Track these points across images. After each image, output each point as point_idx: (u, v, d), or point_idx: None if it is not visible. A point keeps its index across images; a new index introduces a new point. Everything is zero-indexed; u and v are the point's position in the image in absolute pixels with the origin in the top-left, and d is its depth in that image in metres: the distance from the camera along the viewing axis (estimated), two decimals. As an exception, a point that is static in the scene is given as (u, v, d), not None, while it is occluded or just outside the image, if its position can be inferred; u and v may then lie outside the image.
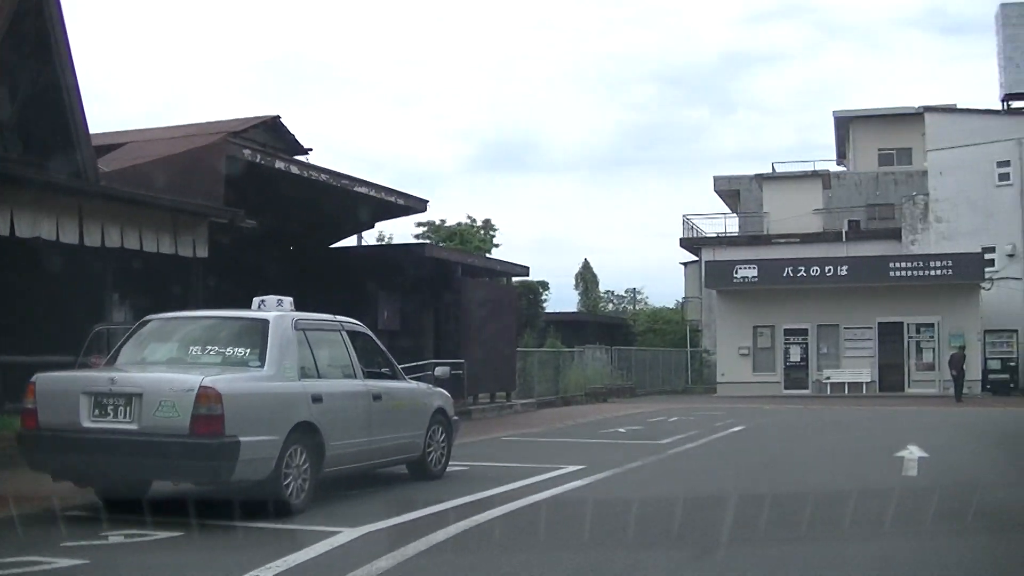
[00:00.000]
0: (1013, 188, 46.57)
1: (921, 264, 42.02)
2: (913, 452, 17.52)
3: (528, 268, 35.26)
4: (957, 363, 39.66)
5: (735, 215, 60.93)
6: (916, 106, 60.80)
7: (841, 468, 16.46)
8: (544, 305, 61.82)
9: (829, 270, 43.07)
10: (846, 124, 64.79)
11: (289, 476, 10.84)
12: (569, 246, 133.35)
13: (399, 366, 14.27)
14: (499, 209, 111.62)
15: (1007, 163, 46.79)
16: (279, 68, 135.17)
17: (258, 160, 20.68)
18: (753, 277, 44.14)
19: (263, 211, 21.49)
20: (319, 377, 11.93)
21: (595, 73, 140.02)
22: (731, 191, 62.97)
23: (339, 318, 13.16)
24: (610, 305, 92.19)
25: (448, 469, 14.55)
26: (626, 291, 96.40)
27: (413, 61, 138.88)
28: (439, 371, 16.95)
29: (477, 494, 12.31)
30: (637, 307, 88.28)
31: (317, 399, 11.54)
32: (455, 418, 15.14)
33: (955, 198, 47.97)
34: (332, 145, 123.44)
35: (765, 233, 54.56)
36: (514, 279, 36.15)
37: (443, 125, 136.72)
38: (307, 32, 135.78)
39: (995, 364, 42.40)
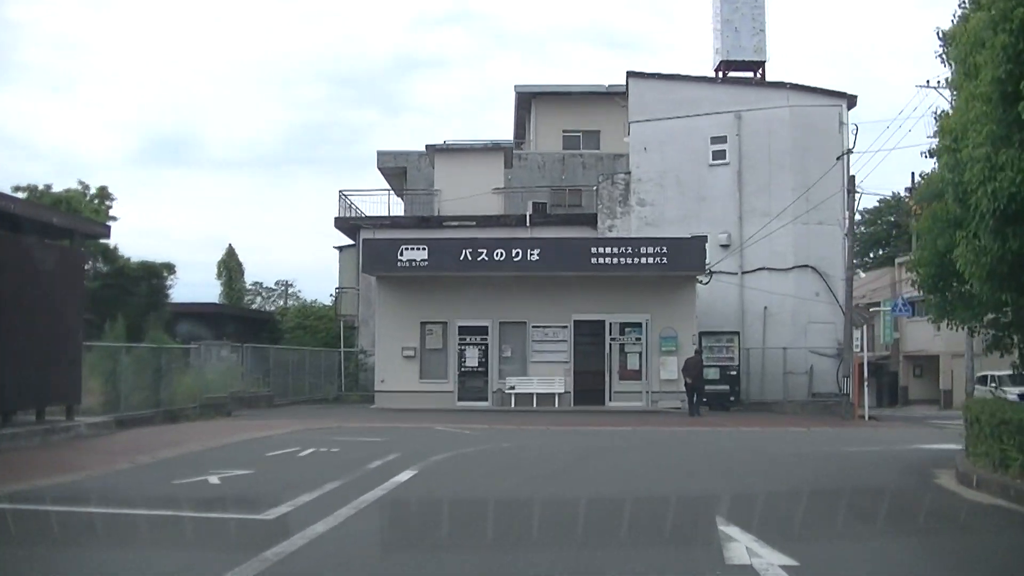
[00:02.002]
0: (729, 168, 39.70)
1: (630, 250, 33.91)
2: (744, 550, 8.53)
3: (109, 228, 25.02)
4: (694, 369, 32.35)
5: (402, 197, 51.98)
6: (606, 84, 54.84)
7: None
8: (169, 292, 50.26)
9: (517, 254, 34.26)
10: (528, 102, 57.11)
11: None
12: (232, 243, 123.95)
13: None
14: (164, 205, 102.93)
15: (722, 139, 39.90)
16: None
17: None
18: (422, 261, 34.64)
19: None
20: None
21: (265, 71, 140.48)
22: (397, 169, 53.38)
23: None
24: (258, 299, 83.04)
25: None
26: (277, 283, 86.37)
27: (70, 45, 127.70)
28: None
29: None
30: (290, 302, 78.58)
31: None
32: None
33: (662, 178, 40.68)
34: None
35: (436, 215, 45.67)
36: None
37: (105, 115, 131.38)
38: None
39: (713, 373, 35.04)
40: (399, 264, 34.79)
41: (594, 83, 53.72)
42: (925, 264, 16.52)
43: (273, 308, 76.89)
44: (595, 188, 43.65)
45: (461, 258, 34.41)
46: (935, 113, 16.46)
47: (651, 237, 36.39)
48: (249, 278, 77.86)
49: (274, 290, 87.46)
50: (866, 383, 33.63)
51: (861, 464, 17.65)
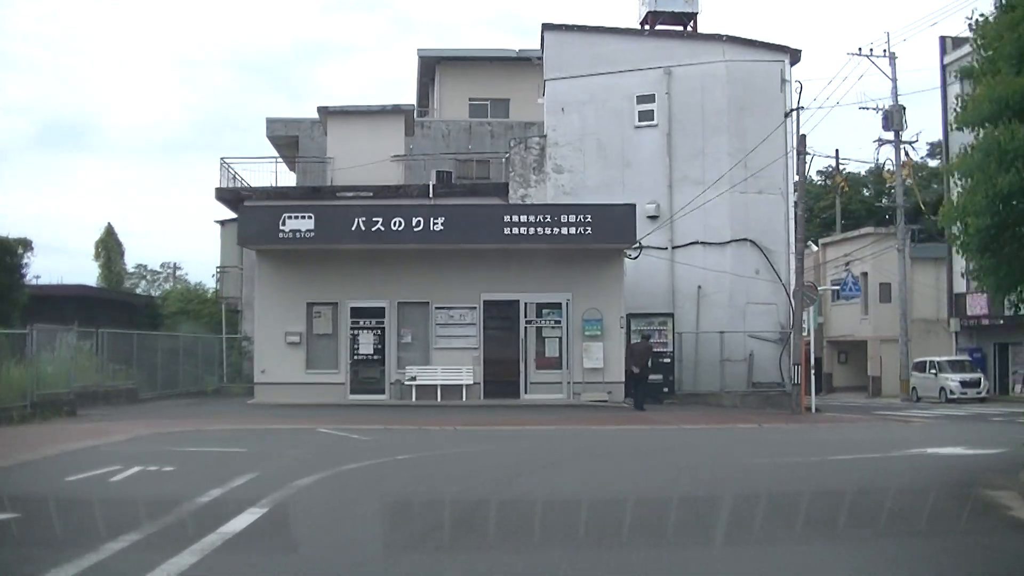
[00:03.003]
0: (657, 131, 35.38)
1: (549, 219, 29.29)
2: None
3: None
4: (642, 357, 28.56)
5: (294, 169, 46.98)
6: (516, 49, 50.70)
7: None
8: (24, 272, 44.32)
9: (418, 223, 29.43)
10: (431, 68, 52.47)
11: None
12: (131, 231, 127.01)
13: None
14: (61, 191, 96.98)
15: (650, 98, 35.55)
16: None
17: None
18: (308, 232, 29.60)
19: None
20: None
21: (169, 56, 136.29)
22: (288, 138, 48.11)
23: None
24: (143, 282, 78.62)
25: None
26: (162, 265, 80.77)
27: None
28: None
29: None
30: (178, 286, 73.18)
31: None
32: None
33: (581, 142, 36.23)
34: None
35: (329, 184, 40.75)
36: None
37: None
38: None
39: (643, 361, 30.63)
40: (281, 235, 29.75)
41: (503, 47, 49.58)
42: (976, 212, 12.02)
43: (159, 292, 71.67)
44: (506, 155, 39.03)
45: (353, 228, 29.51)
46: (971, 22, 12.70)
47: (574, 204, 31.88)
48: (136, 261, 72.50)
49: (160, 273, 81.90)
50: (812, 371, 29.67)
51: (888, 483, 13.24)
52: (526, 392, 30.60)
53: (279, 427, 21.74)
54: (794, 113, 30.62)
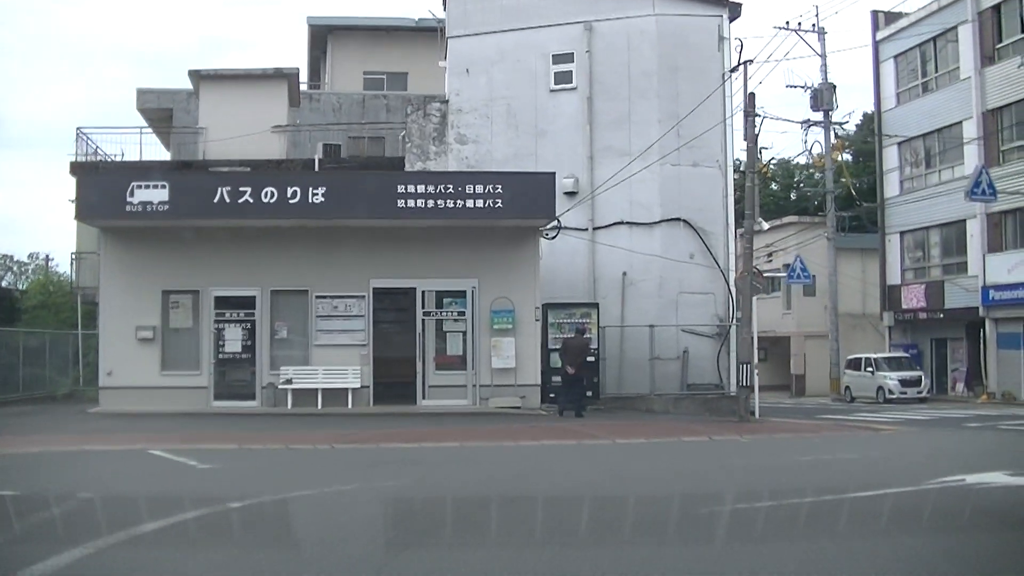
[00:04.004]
0: (577, 95, 30.86)
1: (451, 189, 24.45)
2: None
3: None
4: (577, 353, 24.41)
5: (168, 147, 42.03)
6: (416, 18, 46.29)
7: None
8: None
9: (294, 195, 24.36)
10: (323, 38, 47.65)
11: None
12: (27, 228, 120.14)
13: None
14: None
15: (568, 57, 31.01)
16: None
17: None
18: (162, 204, 24.27)
19: None
20: None
21: (62, 48, 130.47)
22: (161, 111, 42.72)
23: None
24: (8, 274, 73.47)
25: None
26: (30, 256, 74.80)
27: None
28: None
29: None
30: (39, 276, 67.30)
31: None
32: None
33: (488, 108, 31.57)
34: None
35: (201, 158, 35.76)
36: None
37: None
38: None
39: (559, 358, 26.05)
40: (129, 208, 24.40)
41: (401, 15, 45.04)
42: None
43: (24, 285, 66.19)
44: (402, 126, 34.26)
45: (216, 200, 24.35)
46: None
47: (481, 172, 27.26)
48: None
49: (28, 264, 75.54)
50: (756, 371, 25.37)
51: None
52: (424, 397, 25.82)
53: (101, 448, 16.68)
54: (736, 73, 26.29)
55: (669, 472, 13.96)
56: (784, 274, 30.28)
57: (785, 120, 41.83)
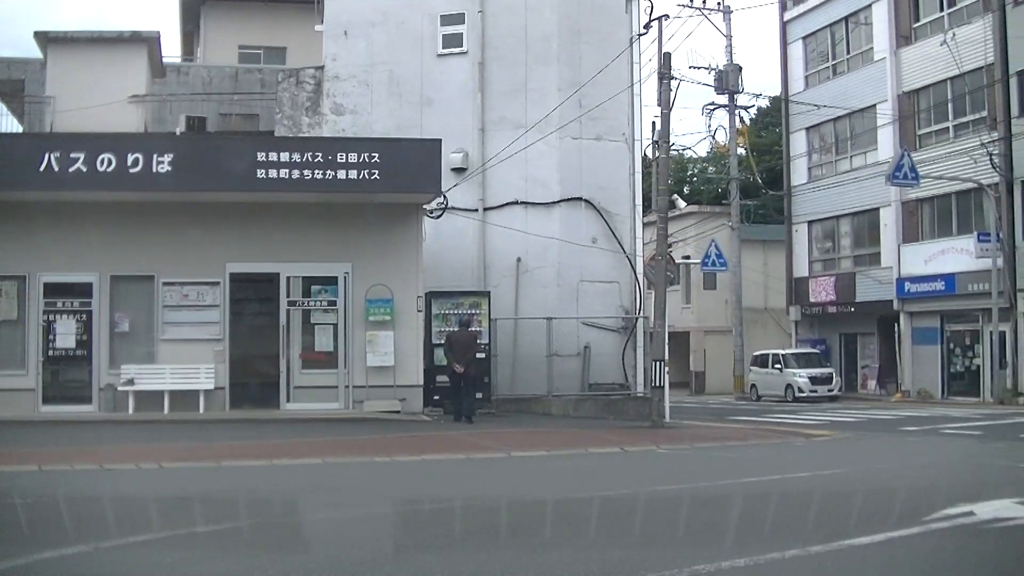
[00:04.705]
0: (467, 60, 27.60)
1: (321, 158, 20.96)
2: None
3: None
4: (465, 349, 21.50)
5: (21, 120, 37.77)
6: None
7: None
8: None
9: (135, 163, 20.73)
10: (196, 10, 43.73)
11: None
12: None
13: None
14: None
15: (458, 18, 27.72)
16: None
17: None
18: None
19: None
20: None
21: None
22: (12, 82, 38.38)
23: None
24: None
25: None
26: None
27: None
28: None
29: None
30: None
31: None
32: None
33: (369, 75, 28.18)
34: None
35: (49, 131, 31.62)
36: None
37: None
38: None
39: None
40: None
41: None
42: None
43: None
44: (276, 90, 30.72)
45: (43, 169, 20.60)
46: None
47: (356, 138, 23.83)
48: None
49: None
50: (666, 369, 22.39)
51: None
52: (289, 400, 22.32)
53: None
54: (647, 34, 23.33)
55: (582, 499, 10.81)
56: (696, 261, 27.48)
57: (701, 84, 38.85)
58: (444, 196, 23.60)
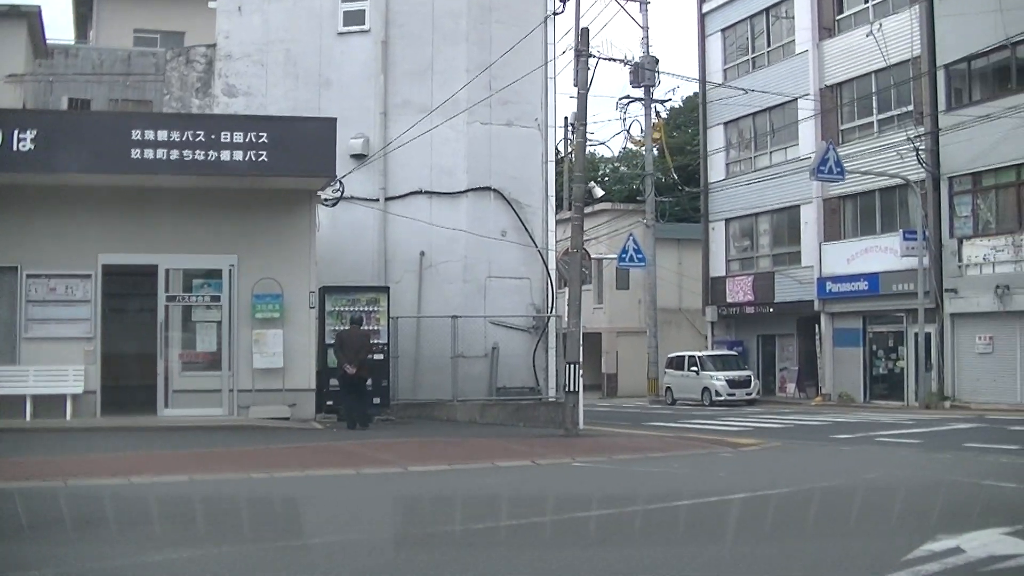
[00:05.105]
0: (369, 38, 25.70)
1: (203, 137, 18.91)
2: None
3: None
4: (357, 348, 19.68)
5: None
6: None
7: None
8: None
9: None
10: (91, -9, 41.48)
11: None
12: None
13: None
14: None
15: (362, -7, 25.79)
16: None
17: None
18: None
19: None
20: None
21: None
22: None
23: None
24: None
25: None
26: None
27: None
28: None
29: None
30: None
31: None
32: None
33: (264, 54, 26.17)
34: None
35: (-86, 111, 29.04)
36: None
37: None
38: None
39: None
40: None
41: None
42: None
43: None
44: (163, 70, 28.53)
45: None
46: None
47: (241, 116, 21.80)
48: None
49: None
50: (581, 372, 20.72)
51: None
52: (167, 406, 20.21)
53: None
54: (561, 10, 21.55)
55: (486, 531, 9.03)
56: (612, 256, 25.86)
57: (618, 61, 37.19)
58: (340, 182, 21.71)
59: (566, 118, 44.22)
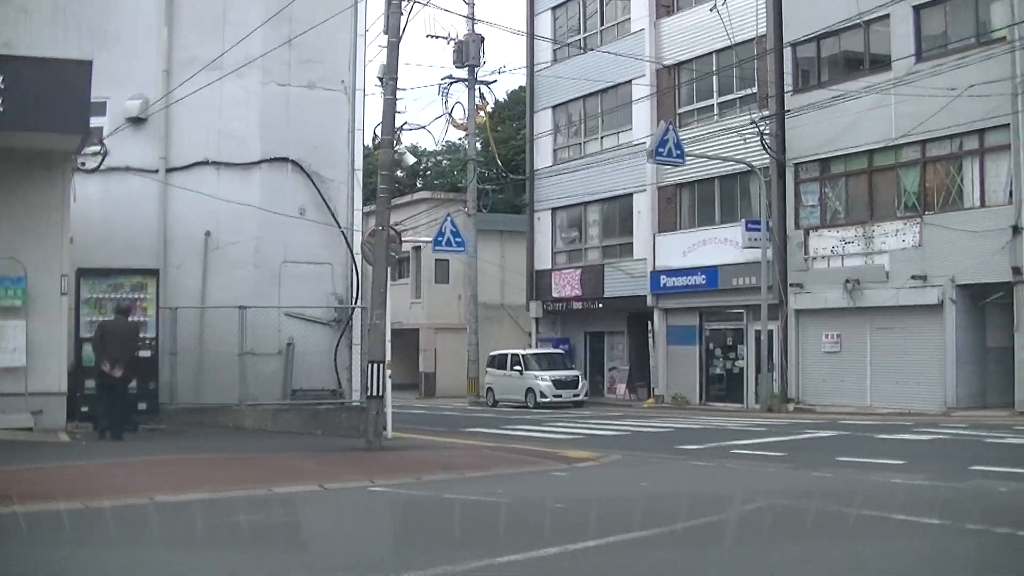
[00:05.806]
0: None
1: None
2: None
3: None
4: (123, 345, 16.48)
5: None
6: None
7: None
8: None
9: None
10: None
11: None
12: None
13: None
14: None
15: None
16: None
17: None
18: None
19: None
20: None
21: None
22: None
23: None
24: None
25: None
26: None
27: None
28: None
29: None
30: None
31: None
32: None
33: (27, 2, 22.16)
34: None
35: None
36: None
37: None
38: None
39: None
40: None
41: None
42: None
43: None
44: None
45: None
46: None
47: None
48: None
49: None
50: (388, 373, 17.77)
51: None
52: None
53: None
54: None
55: None
56: (427, 240, 22.91)
57: (441, 38, 34.39)
58: (103, 144, 18.21)
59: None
